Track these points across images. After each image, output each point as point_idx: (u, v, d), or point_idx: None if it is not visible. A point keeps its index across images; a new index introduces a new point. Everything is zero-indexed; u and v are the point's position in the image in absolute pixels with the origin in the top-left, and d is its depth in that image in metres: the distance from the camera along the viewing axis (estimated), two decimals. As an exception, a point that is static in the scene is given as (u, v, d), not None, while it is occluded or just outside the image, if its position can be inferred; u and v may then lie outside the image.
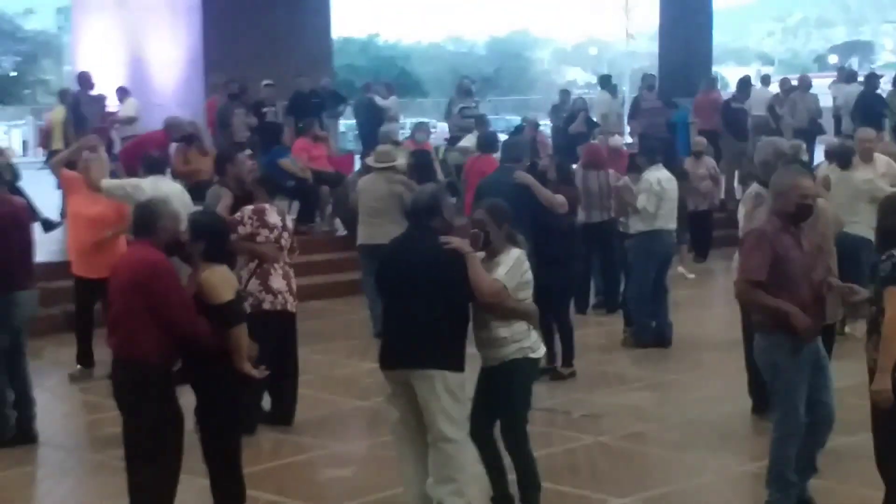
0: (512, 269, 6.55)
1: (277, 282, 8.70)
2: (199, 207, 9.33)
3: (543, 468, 6.88)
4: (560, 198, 10.33)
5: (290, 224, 9.12)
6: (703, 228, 16.51)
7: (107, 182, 10.17)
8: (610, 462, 8.07)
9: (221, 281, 6.33)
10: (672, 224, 11.36)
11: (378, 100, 20.47)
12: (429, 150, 14.08)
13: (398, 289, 6.61)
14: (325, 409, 9.38)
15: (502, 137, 19.99)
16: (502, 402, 6.71)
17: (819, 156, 14.88)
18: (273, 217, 8.87)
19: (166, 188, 9.86)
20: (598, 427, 8.82)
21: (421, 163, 12.74)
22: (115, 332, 6.31)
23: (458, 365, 6.51)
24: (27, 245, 8.62)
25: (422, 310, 6.44)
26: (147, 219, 6.35)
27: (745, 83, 20.65)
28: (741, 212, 8.72)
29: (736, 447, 8.36)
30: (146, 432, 6.24)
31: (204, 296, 6.27)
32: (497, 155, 14.66)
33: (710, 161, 16.78)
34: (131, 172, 12.96)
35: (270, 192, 9.12)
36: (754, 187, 8.60)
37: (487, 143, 14.49)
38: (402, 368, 6.57)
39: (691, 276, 15.12)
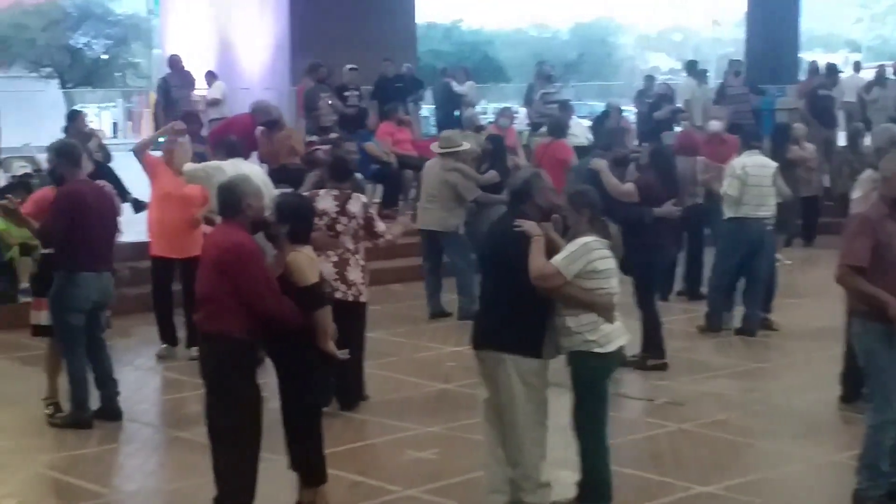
0: (571, 254, 6.38)
1: (353, 273, 8.64)
2: (285, 190, 9.38)
3: (627, 455, 6.87)
4: (627, 186, 10.22)
5: (355, 209, 8.68)
6: (810, 214, 16.53)
7: (188, 166, 10.31)
8: (693, 449, 8.02)
9: (307, 263, 6.41)
10: (762, 212, 11.14)
11: (455, 85, 20.49)
12: (501, 136, 13.98)
13: (484, 270, 6.82)
14: (409, 391, 9.42)
15: (585, 123, 20.05)
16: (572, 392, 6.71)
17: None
18: (324, 203, 8.67)
19: (246, 169, 9.99)
20: (682, 414, 8.77)
21: (495, 148, 12.75)
22: (201, 308, 6.40)
23: (530, 350, 6.47)
24: (101, 229, 8.59)
25: (497, 291, 6.52)
26: (232, 199, 6.38)
27: (832, 70, 20.36)
28: (854, 196, 8.63)
29: (821, 437, 8.28)
30: (228, 408, 6.29)
31: (290, 277, 6.34)
32: (567, 140, 14.73)
33: (810, 147, 16.55)
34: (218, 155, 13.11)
35: (338, 177, 8.87)
36: (868, 173, 8.50)
37: (559, 128, 14.44)
38: (481, 349, 6.62)
39: (788, 262, 14.85)
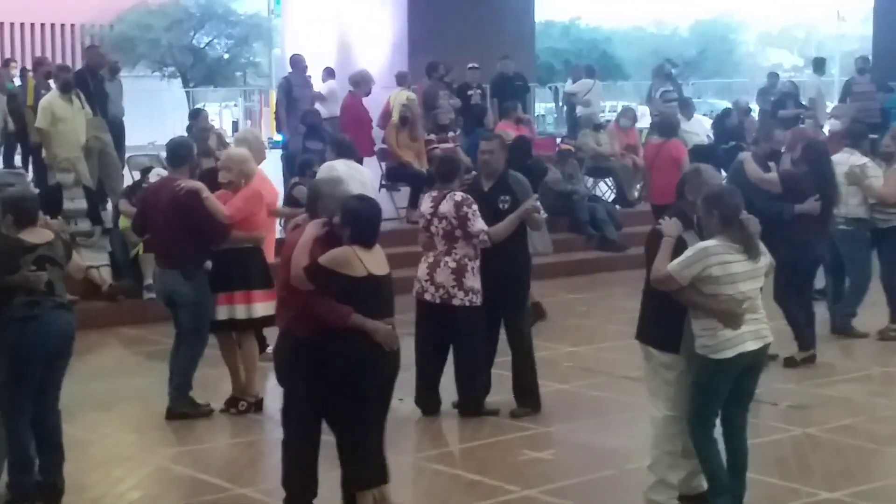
0: (687, 259, 6.28)
1: (442, 275, 8.44)
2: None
3: (751, 459, 6.71)
4: (770, 175, 10.02)
5: (445, 209, 8.38)
6: None
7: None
8: (819, 454, 7.86)
9: (345, 258, 6.29)
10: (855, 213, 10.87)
11: (569, 84, 20.37)
12: (528, 138, 13.44)
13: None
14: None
15: (706, 121, 19.79)
16: None
17: None
18: (424, 205, 8.66)
19: (357, 170, 10.01)
20: (807, 418, 8.60)
21: (516, 148, 12.40)
22: (278, 303, 6.74)
23: (664, 344, 6.55)
24: (164, 227, 8.66)
25: (645, 286, 6.68)
26: (311, 197, 6.74)
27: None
28: None
29: (952, 443, 8.05)
30: (287, 402, 6.63)
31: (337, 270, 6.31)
32: (682, 139, 14.53)
33: None
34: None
35: (444, 178, 8.69)
36: None
37: (669, 127, 14.25)
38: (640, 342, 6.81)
39: None
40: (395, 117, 16.39)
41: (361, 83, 15.74)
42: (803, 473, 7.43)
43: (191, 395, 8.82)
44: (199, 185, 8.67)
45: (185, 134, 13.63)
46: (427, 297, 8.48)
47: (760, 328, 6.48)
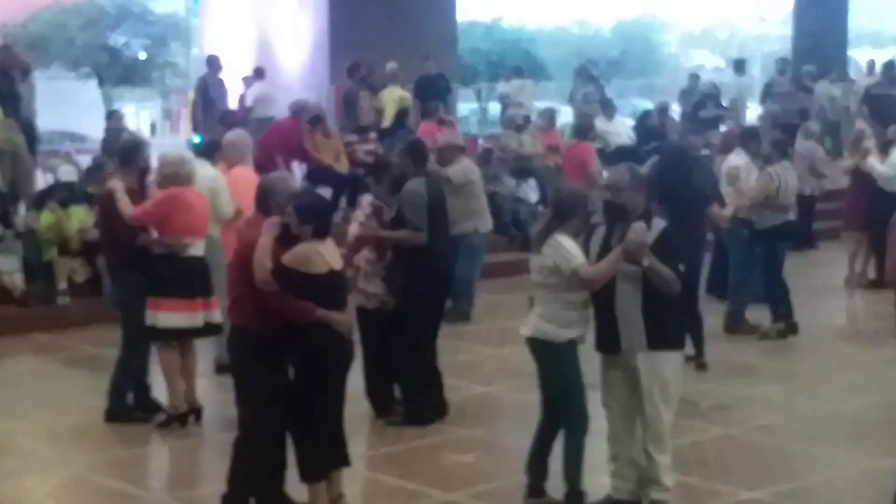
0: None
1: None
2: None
3: (672, 459, 6.73)
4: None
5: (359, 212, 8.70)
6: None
7: None
8: (739, 455, 7.89)
9: (307, 253, 6.35)
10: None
11: (501, 85, 20.41)
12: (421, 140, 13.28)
13: None
14: (448, 394, 9.30)
15: (628, 122, 19.90)
16: None
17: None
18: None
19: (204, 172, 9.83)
20: (727, 418, 8.64)
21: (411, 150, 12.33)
22: (230, 300, 6.70)
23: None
24: (101, 229, 8.93)
25: None
26: (263, 194, 6.71)
27: (888, 67, 20.05)
28: None
29: (870, 442, 8.12)
30: (248, 399, 6.56)
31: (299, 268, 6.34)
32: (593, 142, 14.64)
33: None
34: (264, 166, 13.13)
35: (376, 180, 8.79)
36: None
37: (583, 130, 14.31)
38: None
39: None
40: (389, 113, 16.46)
41: (302, 112, 15.24)
42: (723, 473, 7.46)
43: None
44: (114, 185, 8.57)
45: (104, 135, 13.46)
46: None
47: (530, 319, 6.77)
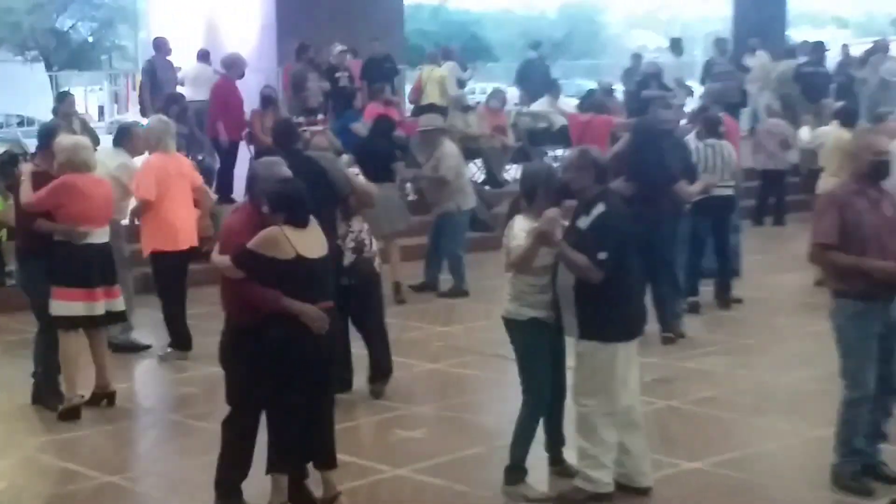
0: None
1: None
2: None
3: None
4: None
5: None
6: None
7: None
8: (681, 426, 8.08)
9: (273, 238, 6.20)
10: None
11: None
12: (388, 117, 13.45)
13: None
14: (397, 371, 9.42)
15: (573, 102, 20.05)
16: None
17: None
18: None
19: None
20: (670, 391, 8.81)
21: (376, 128, 12.64)
22: (221, 289, 6.57)
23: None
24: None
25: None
26: (248, 180, 6.66)
27: (817, 46, 20.33)
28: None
29: (809, 412, 8.31)
30: (232, 388, 6.49)
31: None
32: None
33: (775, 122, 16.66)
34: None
35: (281, 145, 8.99)
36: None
37: (598, 102, 14.37)
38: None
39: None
40: (429, 94, 17.10)
41: (233, 66, 15.60)
42: (666, 444, 7.62)
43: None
44: (23, 169, 8.71)
45: (52, 118, 13.40)
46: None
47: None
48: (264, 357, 6.22)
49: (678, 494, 6.92)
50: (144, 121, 17.27)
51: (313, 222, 6.39)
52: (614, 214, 6.53)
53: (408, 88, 21.90)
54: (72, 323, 8.42)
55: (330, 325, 6.26)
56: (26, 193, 8.42)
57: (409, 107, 19.90)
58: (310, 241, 6.30)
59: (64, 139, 8.69)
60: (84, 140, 8.77)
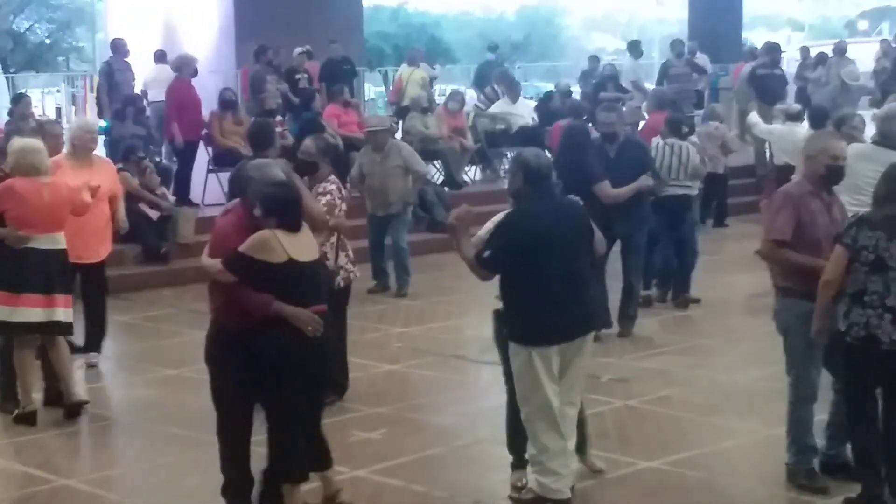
0: None
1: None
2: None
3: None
4: None
5: None
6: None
7: None
8: (638, 426, 8.12)
9: (263, 242, 6.13)
10: None
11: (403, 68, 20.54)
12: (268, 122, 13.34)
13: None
14: (355, 372, 9.43)
15: (531, 104, 20.14)
16: None
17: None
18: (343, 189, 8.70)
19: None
20: (627, 391, 8.87)
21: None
22: (209, 290, 6.48)
23: None
24: None
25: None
26: (239, 182, 6.55)
27: (772, 48, 20.50)
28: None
29: (764, 411, 8.36)
30: (221, 392, 6.40)
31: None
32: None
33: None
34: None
35: (257, 146, 8.80)
36: None
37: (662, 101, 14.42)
38: (584, 335, 6.56)
39: None
40: (410, 94, 16.58)
41: (183, 66, 15.57)
42: (623, 444, 7.67)
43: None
44: None
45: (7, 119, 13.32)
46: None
47: None
48: (259, 361, 6.14)
49: (635, 493, 6.96)
50: (101, 122, 17.28)
51: (304, 226, 6.34)
52: (519, 215, 6.49)
53: (368, 89, 21.97)
54: (5, 328, 8.31)
55: (323, 329, 6.22)
56: None
57: (371, 110, 19.94)
58: (302, 245, 6.24)
59: (15, 142, 8.56)
60: (35, 143, 8.56)
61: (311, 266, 6.27)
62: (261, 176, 6.40)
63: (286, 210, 6.21)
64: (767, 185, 14.77)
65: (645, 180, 10.45)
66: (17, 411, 8.37)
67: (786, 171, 12.84)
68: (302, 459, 6.32)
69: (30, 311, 8.21)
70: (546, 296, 6.37)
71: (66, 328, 8.49)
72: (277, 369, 6.13)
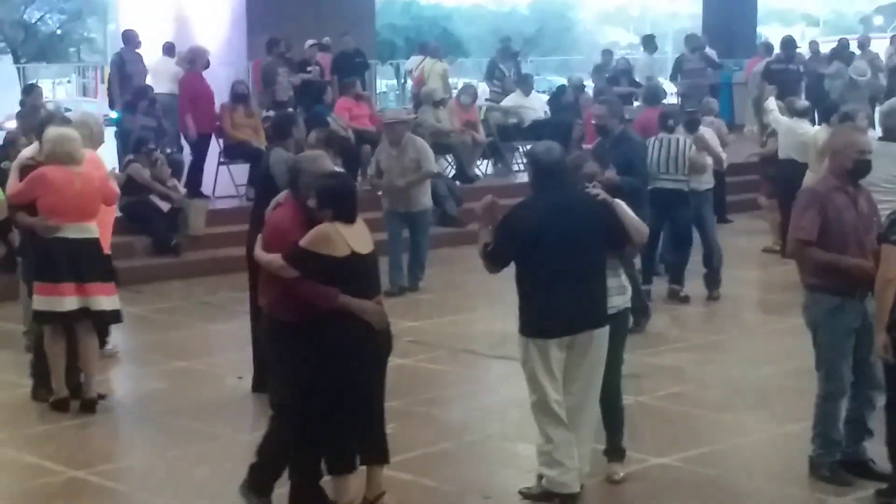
0: None
1: None
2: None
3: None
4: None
5: None
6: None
7: None
8: (650, 422, 8.08)
9: (324, 235, 6.08)
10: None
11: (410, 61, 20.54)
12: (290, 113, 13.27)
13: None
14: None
15: (543, 98, 20.09)
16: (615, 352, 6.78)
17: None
18: None
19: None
20: (639, 387, 8.81)
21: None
22: (262, 284, 6.43)
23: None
24: None
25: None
26: (292, 174, 6.45)
27: (788, 43, 20.42)
28: None
29: (776, 408, 8.35)
30: (278, 385, 6.34)
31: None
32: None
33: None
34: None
35: (280, 135, 8.81)
36: None
37: (654, 95, 14.30)
38: (592, 329, 6.50)
39: None
40: (430, 86, 17.30)
41: (195, 59, 15.56)
42: (634, 440, 7.60)
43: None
44: (14, 163, 8.60)
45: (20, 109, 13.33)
46: None
47: None
48: (331, 356, 6.08)
49: (646, 490, 6.93)
50: (113, 114, 17.28)
51: (359, 217, 6.30)
52: (521, 209, 6.52)
53: (380, 84, 21.95)
54: (42, 317, 8.33)
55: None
56: (10, 186, 8.32)
57: (383, 102, 19.89)
58: (360, 236, 6.20)
59: (51, 131, 8.49)
60: (70, 132, 8.49)
61: (370, 257, 6.24)
62: (314, 168, 6.36)
63: (343, 201, 6.16)
64: (764, 180, 14.56)
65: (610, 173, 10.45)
66: (52, 398, 8.37)
67: (787, 167, 12.76)
68: (354, 452, 6.31)
69: (63, 300, 8.21)
70: (545, 289, 6.38)
71: (110, 316, 8.46)
72: (347, 362, 6.09)
